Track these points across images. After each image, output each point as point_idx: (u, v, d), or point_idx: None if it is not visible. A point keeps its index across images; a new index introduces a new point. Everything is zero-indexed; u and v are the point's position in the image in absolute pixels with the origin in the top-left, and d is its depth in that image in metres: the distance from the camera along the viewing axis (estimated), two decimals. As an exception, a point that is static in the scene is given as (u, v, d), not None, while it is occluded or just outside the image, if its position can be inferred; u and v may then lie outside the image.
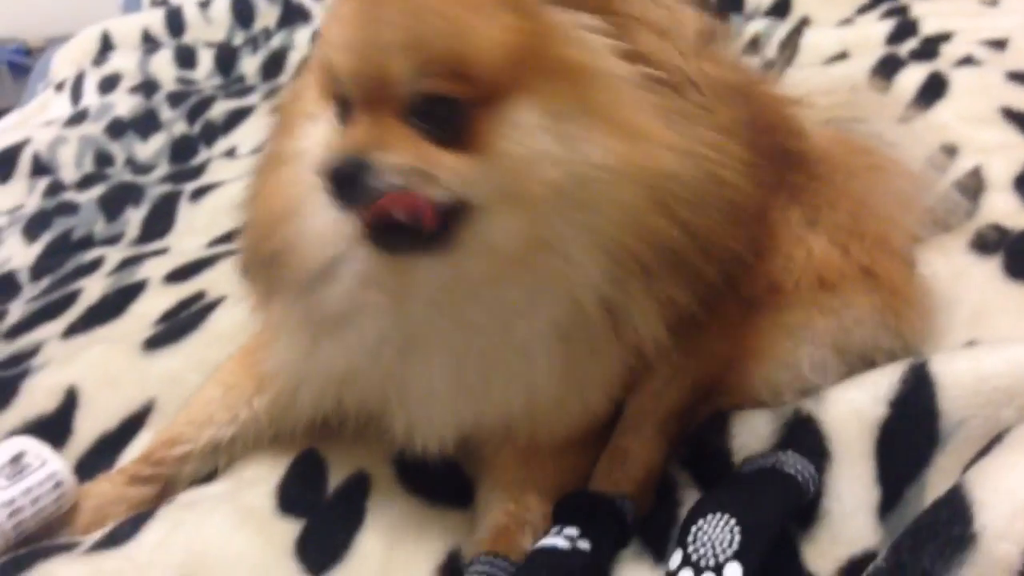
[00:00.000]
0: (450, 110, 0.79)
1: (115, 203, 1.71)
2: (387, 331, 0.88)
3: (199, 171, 1.82)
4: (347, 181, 0.77)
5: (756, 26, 2.04)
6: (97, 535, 0.99)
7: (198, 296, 1.36)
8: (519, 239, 0.82)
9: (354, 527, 0.97)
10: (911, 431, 0.91)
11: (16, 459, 1.03)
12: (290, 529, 0.97)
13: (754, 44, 2.01)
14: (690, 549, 0.84)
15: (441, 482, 1.02)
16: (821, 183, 1.10)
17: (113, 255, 1.55)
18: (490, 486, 0.99)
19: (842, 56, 1.86)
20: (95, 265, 1.52)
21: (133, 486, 1.05)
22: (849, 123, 1.26)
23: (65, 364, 1.23)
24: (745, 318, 1.02)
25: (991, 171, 1.32)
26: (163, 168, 1.90)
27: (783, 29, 2.02)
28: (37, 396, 1.18)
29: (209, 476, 1.07)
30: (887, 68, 1.69)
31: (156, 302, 1.37)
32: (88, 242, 1.63)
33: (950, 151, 1.36)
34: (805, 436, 0.93)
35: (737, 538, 0.83)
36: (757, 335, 1.02)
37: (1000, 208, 1.26)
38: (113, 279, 1.45)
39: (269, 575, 0.92)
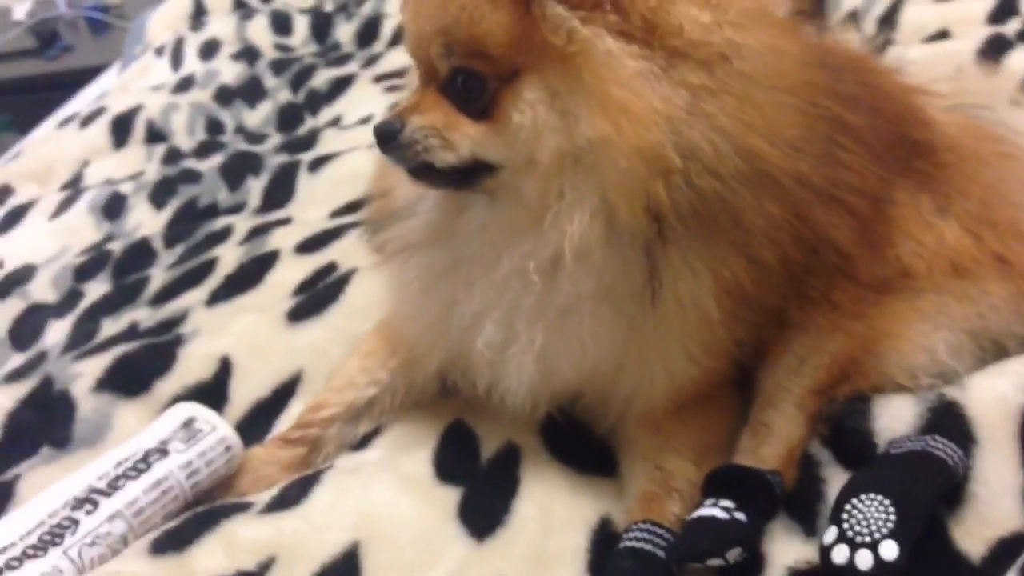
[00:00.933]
0: (477, 85, 0.93)
1: (236, 172, 1.77)
2: (445, 262, 1.02)
3: (311, 141, 1.87)
4: (386, 137, 0.95)
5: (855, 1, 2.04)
6: (266, 497, 1.05)
7: (330, 268, 1.42)
8: (535, 192, 0.94)
9: (510, 494, 1.03)
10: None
11: (188, 424, 1.10)
12: (451, 495, 1.03)
13: (852, 19, 2.02)
14: (845, 526, 0.88)
15: (588, 453, 1.07)
16: (950, 171, 1.13)
17: (241, 224, 1.61)
18: (631, 456, 1.05)
19: (943, 35, 1.87)
20: (225, 234, 1.58)
21: (283, 448, 1.13)
22: (973, 109, 1.28)
23: (216, 333, 1.30)
24: (879, 301, 1.07)
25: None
26: (274, 137, 1.95)
27: (882, 4, 2.03)
28: (193, 364, 1.25)
29: (361, 443, 1.13)
30: (994, 49, 1.70)
31: (291, 272, 1.42)
32: (214, 210, 1.69)
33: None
34: (950, 421, 0.97)
35: (892, 517, 0.87)
36: (893, 318, 1.06)
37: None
38: (246, 248, 1.51)
39: (435, 537, 0.98)
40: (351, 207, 1.58)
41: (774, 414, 1.04)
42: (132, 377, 1.24)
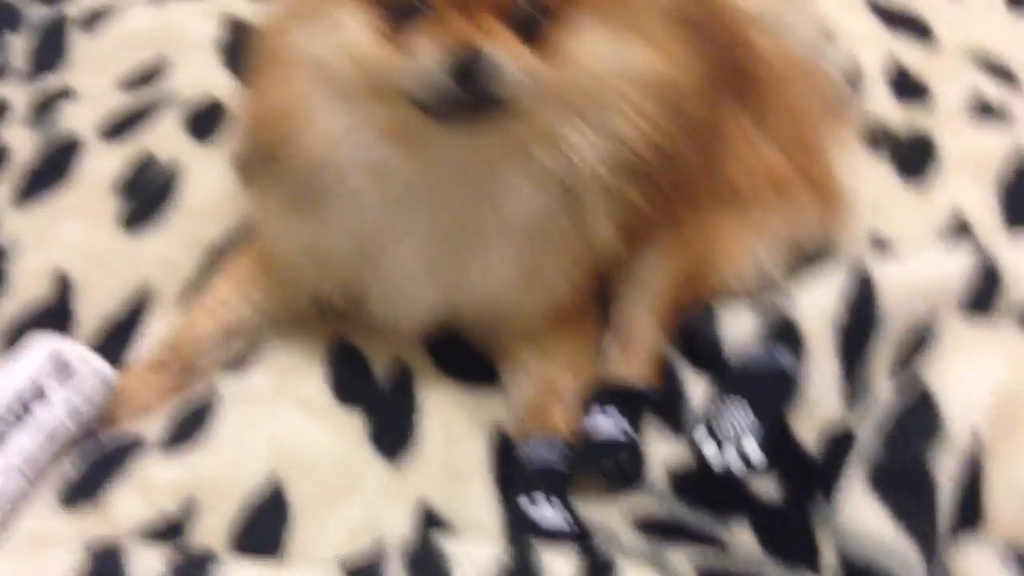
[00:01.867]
0: (541, 13, 0.93)
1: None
2: (372, 213, 1.00)
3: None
4: (469, 72, 0.88)
5: None
6: (157, 430, 1.05)
7: (148, 159, 1.33)
8: (549, 124, 0.96)
9: (411, 412, 1.10)
10: (861, 327, 1.15)
11: (56, 358, 1.05)
12: (355, 418, 1.08)
13: None
14: (713, 425, 1.05)
15: (470, 365, 1.15)
16: (768, 93, 1.27)
17: (14, 95, 1.45)
18: (513, 368, 1.14)
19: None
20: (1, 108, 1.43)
21: (156, 373, 1.11)
22: (772, 20, 1.42)
23: (43, 244, 1.22)
24: (713, 217, 1.21)
25: (864, 62, 1.55)
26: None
27: None
28: (27, 281, 1.19)
29: (238, 366, 1.13)
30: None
31: (102, 164, 1.33)
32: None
33: (828, 37, 1.57)
34: (785, 332, 1.15)
35: (751, 417, 1.05)
36: (725, 232, 1.21)
37: (878, 102, 1.49)
38: (37, 133, 1.38)
39: (352, 462, 1.04)
40: (143, 78, 1.47)
41: (634, 323, 1.17)
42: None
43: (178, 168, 1.32)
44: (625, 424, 1.08)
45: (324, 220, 1.02)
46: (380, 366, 1.13)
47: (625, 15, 0.97)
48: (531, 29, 0.93)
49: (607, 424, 1.08)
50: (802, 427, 1.10)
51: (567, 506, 1.03)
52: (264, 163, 1.03)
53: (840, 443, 1.07)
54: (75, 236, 1.23)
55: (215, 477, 1.01)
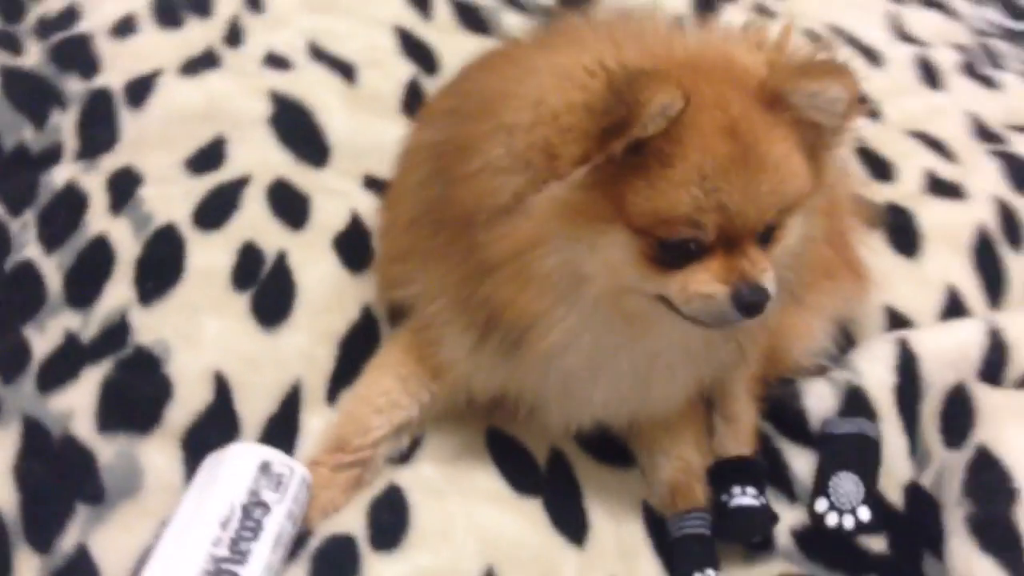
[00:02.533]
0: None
1: (27, 99, 1.51)
2: (579, 360, 1.11)
3: (80, 51, 1.64)
4: (756, 307, 1.01)
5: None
6: (355, 527, 1.13)
7: (254, 250, 1.37)
8: None
9: (578, 497, 1.22)
10: (913, 393, 1.39)
11: (266, 468, 1.12)
12: (535, 507, 1.19)
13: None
14: (832, 498, 1.25)
15: (614, 450, 1.29)
16: None
17: (86, 180, 1.43)
18: (651, 451, 1.28)
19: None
20: (78, 196, 1.41)
21: (339, 472, 1.19)
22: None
23: (192, 345, 1.25)
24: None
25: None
26: None
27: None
28: (190, 385, 1.22)
29: (402, 457, 1.23)
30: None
31: (210, 256, 1.35)
32: (25, 155, 1.46)
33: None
34: (859, 402, 1.37)
35: (862, 488, 1.26)
36: (793, 315, 1.42)
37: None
38: (128, 221, 1.38)
39: (548, 550, 1.15)
40: (208, 158, 1.49)
41: (737, 404, 1.35)
42: (133, 409, 1.17)
43: (287, 260, 1.36)
44: (755, 491, 1.26)
45: (528, 363, 1.11)
46: (541, 455, 1.24)
47: (809, 207, 1.09)
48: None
49: (739, 493, 1.25)
50: (886, 486, 1.32)
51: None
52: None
53: (919, 499, 1.30)
54: (220, 336, 1.26)
55: (439, 574, 1.10)
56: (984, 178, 1.75)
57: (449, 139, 1.10)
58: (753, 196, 0.98)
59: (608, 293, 1.03)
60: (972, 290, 1.59)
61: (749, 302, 1.00)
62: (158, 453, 1.15)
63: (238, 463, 1.11)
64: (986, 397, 1.36)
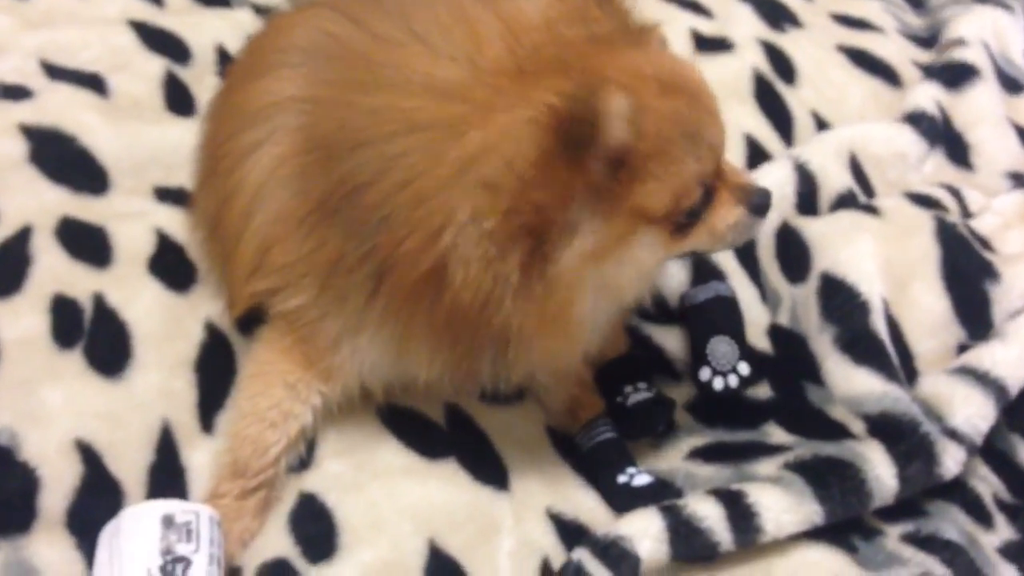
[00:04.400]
0: None
1: None
2: None
3: None
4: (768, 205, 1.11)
5: None
6: (287, 548, 1.09)
7: (63, 301, 1.25)
8: None
9: (486, 443, 1.22)
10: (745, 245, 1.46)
11: (169, 521, 1.05)
12: (452, 466, 1.18)
13: None
14: (712, 363, 1.31)
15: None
16: None
17: None
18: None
19: None
20: None
21: (246, 499, 1.14)
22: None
23: (42, 423, 1.14)
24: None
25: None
26: None
27: None
28: (56, 464, 1.11)
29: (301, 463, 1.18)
30: None
31: (22, 323, 1.22)
32: None
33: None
34: (706, 267, 1.42)
35: (735, 346, 1.32)
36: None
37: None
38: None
39: (480, 504, 1.15)
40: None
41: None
42: (4, 510, 1.07)
43: (105, 301, 1.26)
44: (645, 385, 1.29)
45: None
46: (438, 416, 1.23)
47: None
48: None
49: (632, 391, 1.28)
50: (753, 337, 1.39)
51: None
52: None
53: (783, 338, 1.38)
54: (67, 403, 1.16)
55: (385, 566, 1.08)
56: (743, 24, 1.82)
57: (344, 152, 1.02)
58: (717, 124, 1.04)
59: (642, 288, 1.11)
60: (767, 133, 1.66)
61: (763, 204, 1.10)
62: (48, 548, 1.06)
63: (137, 527, 1.03)
64: (810, 227, 1.45)
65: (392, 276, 1.01)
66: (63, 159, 1.42)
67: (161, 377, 1.21)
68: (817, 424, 1.27)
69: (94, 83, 1.55)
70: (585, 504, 1.19)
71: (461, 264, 0.95)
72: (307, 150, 1.08)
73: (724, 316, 1.36)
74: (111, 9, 1.69)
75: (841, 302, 1.34)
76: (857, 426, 1.25)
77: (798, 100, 1.72)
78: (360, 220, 1.01)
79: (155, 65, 1.60)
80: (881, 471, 1.16)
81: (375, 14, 1.09)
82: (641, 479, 1.20)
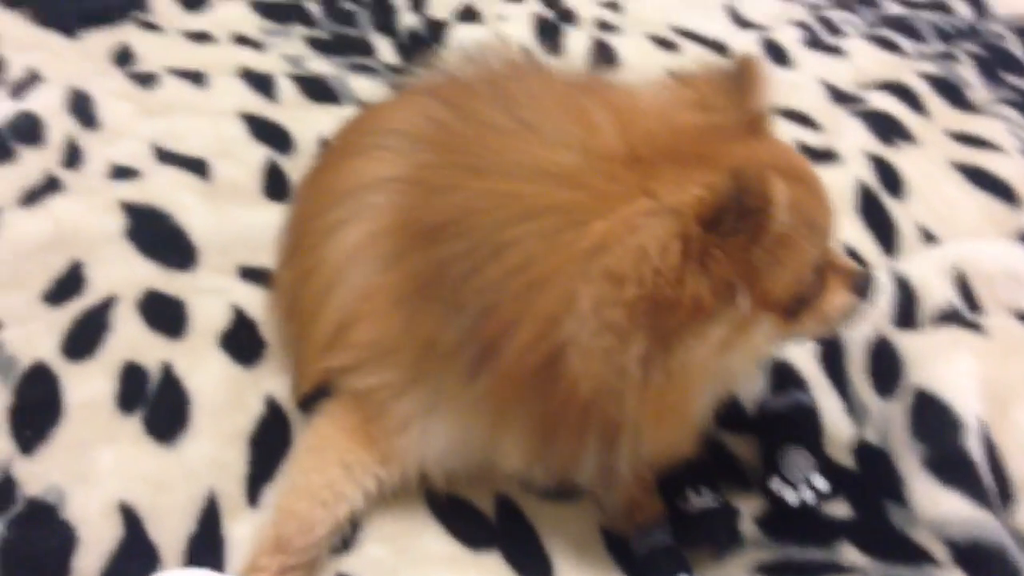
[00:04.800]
0: None
1: None
2: None
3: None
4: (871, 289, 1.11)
5: None
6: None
7: (132, 368, 1.28)
8: None
9: (534, 537, 1.16)
10: (833, 353, 1.38)
11: (199, 594, 1.02)
12: (495, 559, 1.13)
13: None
14: (784, 473, 1.22)
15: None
16: None
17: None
18: None
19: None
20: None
21: None
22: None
23: (88, 482, 1.14)
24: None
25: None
26: None
27: None
28: (96, 528, 1.11)
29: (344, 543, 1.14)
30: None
31: (89, 386, 1.25)
32: None
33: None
34: (786, 375, 1.34)
35: (810, 458, 1.23)
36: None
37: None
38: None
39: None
40: (64, 286, 1.40)
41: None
42: (37, 568, 1.06)
43: (173, 370, 1.28)
44: (709, 490, 1.21)
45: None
46: (487, 506, 1.18)
47: None
48: None
49: (695, 495, 1.21)
50: (834, 452, 1.29)
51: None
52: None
53: (868, 455, 1.28)
54: (117, 465, 1.16)
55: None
56: (851, 137, 1.78)
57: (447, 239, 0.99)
58: (829, 211, 1.04)
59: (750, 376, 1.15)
60: (868, 246, 1.59)
61: (867, 287, 1.10)
62: (71, 609, 1.05)
63: (168, 597, 1.02)
64: (907, 341, 1.36)
65: (496, 363, 0.96)
66: (157, 235, 1.48)
67: (214, 447, 1.21)
68: (897, 547, 1.16)
69: (198, 167, 1.61)
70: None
71: (580, 354, 0.92)
72: (400, 230, 1.06)
73: (801, 426, 1.28)
74: (228, 101, 1.78)
75: (933, 420, 1.24)
76: (940, 552, 1.13)
77: (906, 214, 1.65)
78: (462, 303, 0.97)
79: (259, 153, 1.67)
80: (963, 603, 1.05)
81: (478, 102, 1.07)
82: (697, 594, 1.12)
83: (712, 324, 0.93)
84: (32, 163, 1.61)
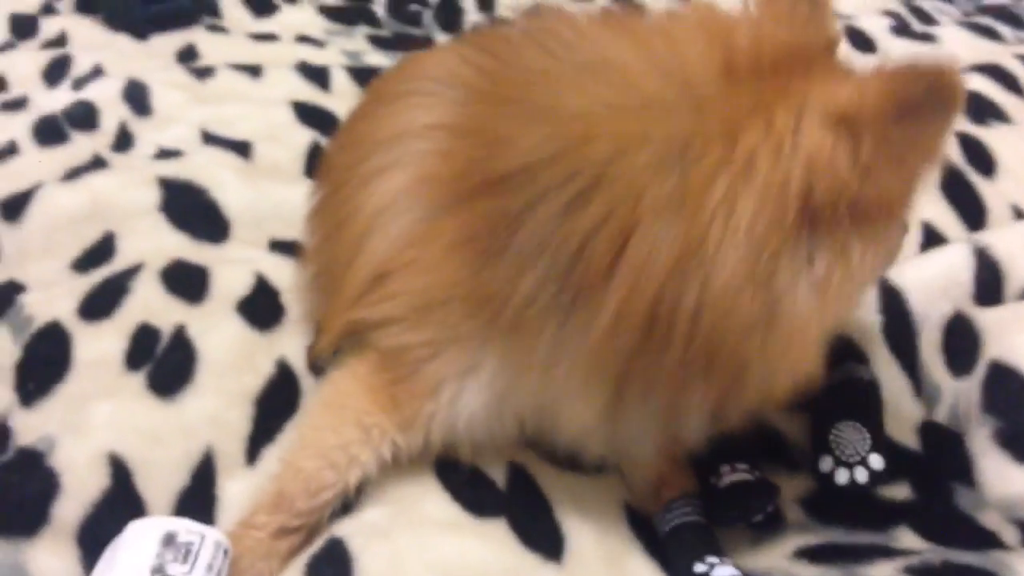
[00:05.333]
0: None
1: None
2: None
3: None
4: None
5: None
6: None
7: (146, 329, 1.23)
8: None
9: (547, 510, 1.05)
10: (901, 329, 1.24)
11: (171, 540, 0.95)
12: (500, 528, 1.02)
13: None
14: (836, 452, 1.08)
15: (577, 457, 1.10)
16: None
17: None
18: None
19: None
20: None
21: (281, 539, 1.01)
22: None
23: (81, 433, 1.09)
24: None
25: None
26: None
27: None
28: (81, 475, 1.05)
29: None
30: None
31: (100, 345, 1.21)
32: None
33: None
34: (844, 349, 1.20)
35: (867, 435, 1.09)
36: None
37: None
38: (7, 329, 1.24)
39: (522, 572, 0.98)
40: (94, 256, 1.37)
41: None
42: (14, 512, 1.01)
43: (185, 332, 1.23)
44: (745, 466, 1.09)
45: None
46: (498, 474, 1.08)
47: None
48: None
49: (729, 471, 1.08)
50: (897, 427, 1.15)
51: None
52: None
53: (936, 435, 1.13)
54: (113, 417, 1.11)
55: (392, 623, 0.92)
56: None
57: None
58: None
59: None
60: (948, 220, 1.46)
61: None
62: (50, 556, 0.98)
63: (137, 539, 0.94)
64: (987, 316, 1.22)
65: (597, 310, 0.85)
66: (190, 209, 1.44)
67: (217, 404, 1.14)
68: (962, 531, 1.02)
69: (241, 148, 1.59)
70: (654, 591, 0.99)
71: (716, 287, 0.81)
72: (454, 179, 0.96)
73: (857, 400, 1.13)
74: (280, 91, 1.76)
75: (1008, 392, 1.09)
76: (1010, 535, 0.98)
77: (995, 192, 1.50)
78: (545, 250, 0.87)
79: (304, 136, 1.63)
80: (1032, 585, 0.89)
81: (519, 50, 0.99)
82: (723, 571, 0.99)
83: (877, 231, 0.86)
84: (83, 146, 1.61)
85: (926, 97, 0.79)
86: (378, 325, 1.03)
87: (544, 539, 1.02)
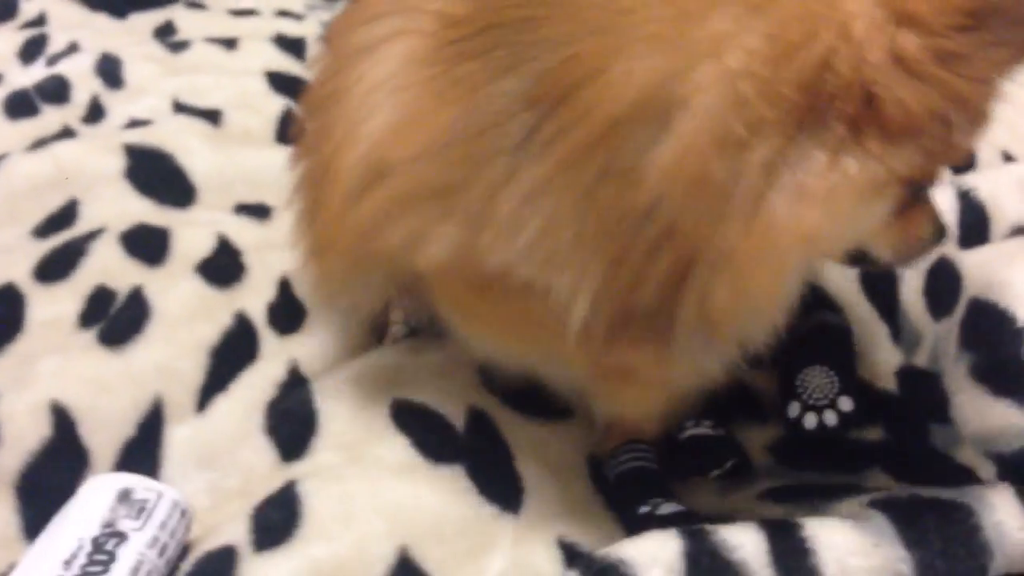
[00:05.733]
0: None
1: None
2: None
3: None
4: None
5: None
6: (242, 533, 0.92)
7: (102, 291, 1.21)
8: None
9: (508, 458, 1.02)
10: (878, 274, 1.19)
11: (126, 496, 0.92)
12: (457, 474, 0.98)
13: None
14: (804, 397, 1.04)
15: (542, 403, 1.07)
16: None
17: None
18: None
19: None
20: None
21: None
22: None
23: (24, 386, 1.06)
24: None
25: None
26: None
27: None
28: (22, 423, 1.02)
29: (293, 450, 1.03)
30: None
31: (54, 307, 1.18)
32: None
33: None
34: (813, 298, 1.15)
35: (836, 379, 1.05)
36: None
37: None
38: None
39: (476, 519, 0.95)
40: (56, 221, 1.35)
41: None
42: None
43: (142, 292, 1.20)
44: (710, 423, 1.05)
45: None
46: (457, 419, 1.04)
47: None
48: None
49: (692, 425, 1.04)
50: (871, 372, 1.10)
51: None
52: None
53: (914, 377, 1.09)
54: (58, 370, 1.08)
55: (339, 565, 0.89)
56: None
57: None
58: None
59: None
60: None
61: (943, 233, 0.89)
62: (-17, 505, 0.96)
63: (92, 494, 0.92)
64: (970, 258, 1.16)
65: (562, 132, 0.71)
66: (156, 175, 1.42)
67: (167, 354, 1.12)
68: (937, 469, 0.97)
69: (211, 116, 1.56)
70: (612, 540, 0.94)
71: (685, 134, 0.68)
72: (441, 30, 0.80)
73: (826, 345, 1.09)
74: (255, 62, 1.73)
75: (987, 328, 1.03)
76: (987, 470, 0.94)
77: (985, 140, 1.45)
78: (518, 60, 0.73)
79: (277, 104, 1.60)
80: (1005, 518, 0.84)
81: None
82: (667, 507, 0.94)
83: (895, 157, 0.71)
84: (52, 118, 1.58)
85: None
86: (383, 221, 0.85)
87: (503, 490, 0.98)
